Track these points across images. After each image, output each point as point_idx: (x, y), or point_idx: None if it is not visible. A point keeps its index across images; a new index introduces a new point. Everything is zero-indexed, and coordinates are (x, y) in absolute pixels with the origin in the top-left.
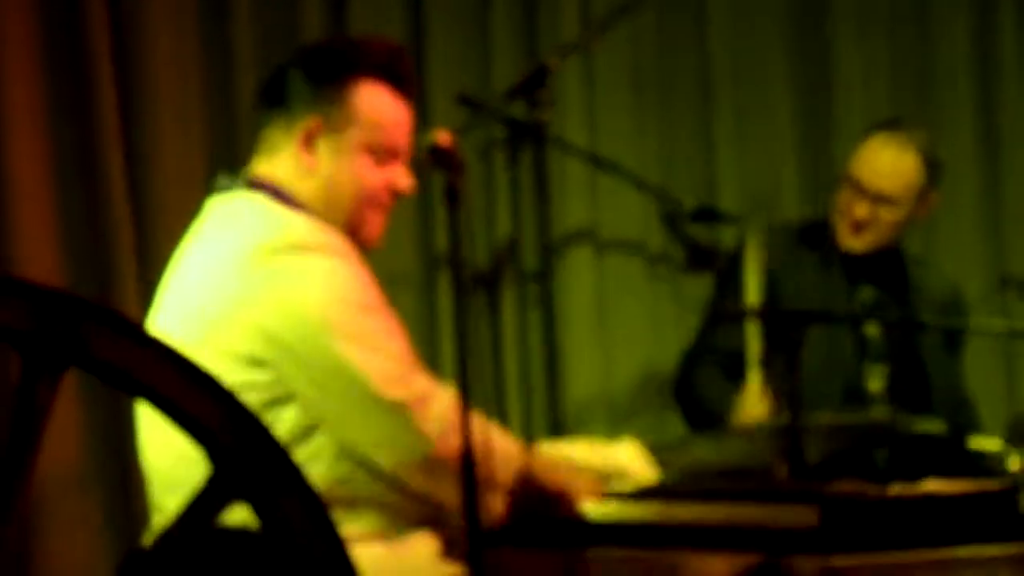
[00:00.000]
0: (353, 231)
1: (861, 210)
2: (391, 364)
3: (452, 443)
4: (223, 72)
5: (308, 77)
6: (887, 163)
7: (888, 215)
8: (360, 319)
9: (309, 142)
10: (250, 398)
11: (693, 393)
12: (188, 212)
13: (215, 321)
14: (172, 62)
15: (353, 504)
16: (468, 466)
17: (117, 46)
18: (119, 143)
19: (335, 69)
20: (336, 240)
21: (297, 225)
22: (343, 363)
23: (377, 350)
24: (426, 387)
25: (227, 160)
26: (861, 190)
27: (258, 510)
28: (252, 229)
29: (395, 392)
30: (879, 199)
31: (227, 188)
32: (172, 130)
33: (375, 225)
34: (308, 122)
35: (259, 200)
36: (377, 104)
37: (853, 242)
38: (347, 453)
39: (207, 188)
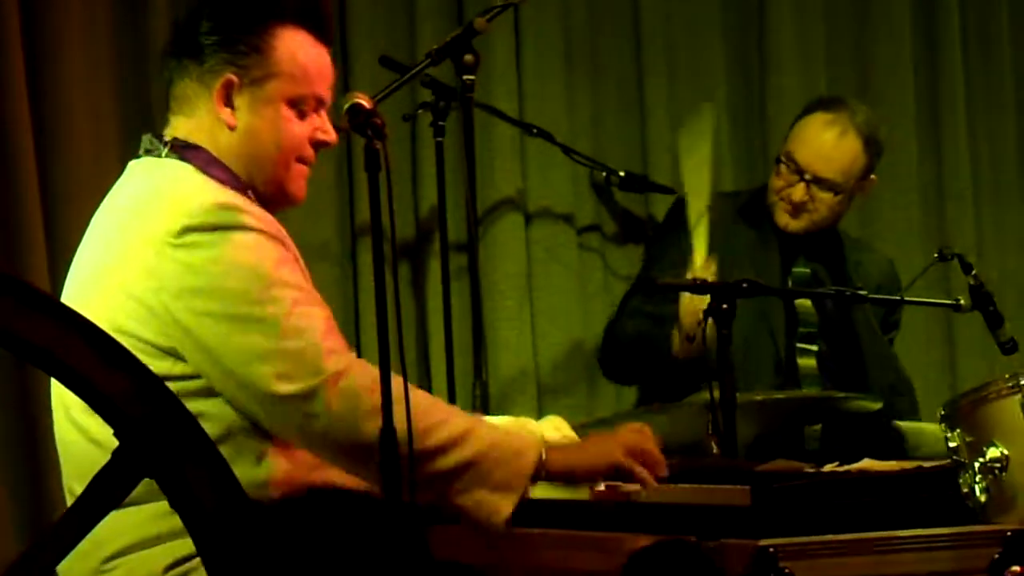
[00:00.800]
0: (278, 188)
1: (798, 192)
2: (286, 351)
3: (364, 426)
4: (135, 35)
5: (222, 25)
6: (827, 146)
7: (826, 198)
8: (263, 303)
9: (227, 97)
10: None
11: (621, 340)
12: (98, 183)
13: (124, 304)
14: (82, 28)
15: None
16: (388, 439)
17: (25, 14)
18: (28, 116)
19: (251, 16)
20: (256, 214)
21: (214, 199)
22: (242, 353)
23: (274, 336)
24: (331, 366)
25: (139, 126)
26: (799, 172)
27: (167, 486)
28: (169, 206)
29: (284, 386)
30: (818, 182)
31: (151, 152)
32: (82, 101)
33: (300, 181)
34: (224, 75)
35: (180, 170)
36: (298, 53)
37: (789, 221)
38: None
39: (120, 157)
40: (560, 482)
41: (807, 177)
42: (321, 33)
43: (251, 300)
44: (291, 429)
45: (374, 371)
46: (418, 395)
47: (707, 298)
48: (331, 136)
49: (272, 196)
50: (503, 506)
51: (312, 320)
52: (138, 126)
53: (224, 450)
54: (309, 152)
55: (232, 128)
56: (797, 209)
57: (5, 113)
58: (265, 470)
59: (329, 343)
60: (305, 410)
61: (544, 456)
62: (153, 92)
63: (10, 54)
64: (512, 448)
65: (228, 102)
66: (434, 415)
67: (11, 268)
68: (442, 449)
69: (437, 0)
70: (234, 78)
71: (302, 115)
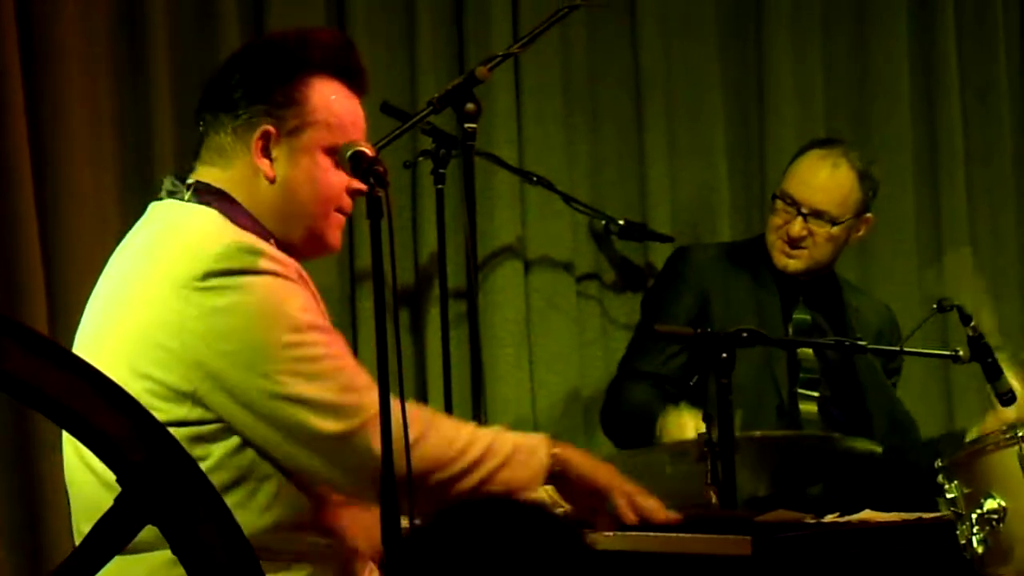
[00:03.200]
0: (315, 238)
1: (795, 227)
2: (326, 393)
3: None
4: (136, 81)
5: (256, 78)
6: (822, 178)
7: (823, 232)
8: (294, 347)
9: (265, 148)
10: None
11: (622, 408)
12: (98, 228)
13: (141, 347)
14: (84, 69)
15: (278, 556)
16: (388, 476)
17: (26, 57)
18: (27, 154)
19: (284, 68)
20: (278, 257)
21: (236, 244)
22: (276, 396)
23: (313, 378)
24: (370, 405)
25: (140, 170)
26: (795, 206)
27: (169, 533)
28: (191, 250)
29: (330, 425)
30: (814, 215)
31: (174, 194)
32: (83, 142)
33: (337, 231)
34: (261, 126)
35: (203, 215)
36: (332, 102)
37: (788, 261)
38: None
39: (119, 202)
40: (558, 480)
41: (804, 211)
42: (353, 83)
43: (280, 344)
44: (328, 468)
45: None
46: (441, 427)
47: (696, 423)
48: (366, 185)
49: (309, 246)
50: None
51: (343, 360)
52: (138, 171)
53: (236, 494)
54: (347, 202)
55: (271, 180)
56: (795, 244)
57: (5, 158)
58: (273, 515)
59: (362, 381)
60: (350, 448)
61: (555, 449)
62: (154, 137)
63: (10, 97)
64: (525, 460)
65: (267, 153)
66: (458, 442)
67: (10, 313)
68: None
69: (439, 48)
70: (271, 129)
71: (337, 164)
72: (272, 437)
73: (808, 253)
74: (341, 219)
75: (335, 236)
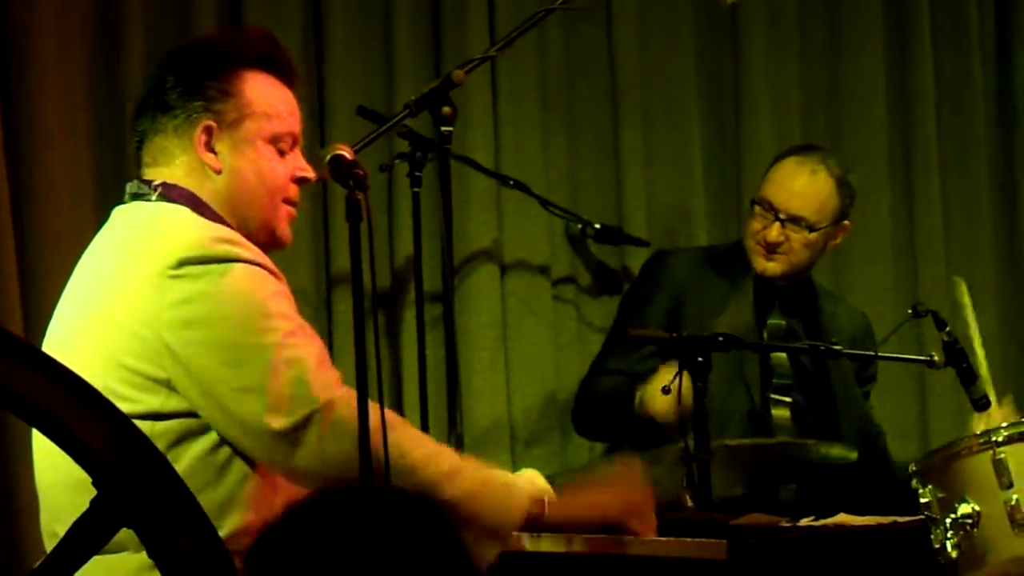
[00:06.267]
0: (267, 230)
1: (773, 232)
2: (282, 384)
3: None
4: (112, 84)
5: (189, 76)
6: (800, 184)
7: (800, 238)
8: (259, 334)
9: (208, 143)
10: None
11: (596, 398)
12: (73, 231)
13: (119, 338)
14: (58, 70)
15: None
16: (366, 477)
17: (0, 60)
18: (1, 157)
19: (216, 63)
20: (249, 246)
21: (210, 233)
22: (238, 389)
23: (272, 370)
24: (325, 400)
25: (116, 173)
26: (773, 211)
27: (144, 536)
28: (166, 241)
29: (279, 421)
30: (792, 220)
31: (140, 196)
32: (58, 145)
33: (287, 223)
34: (202, 122)
35: (173, 210)
36: (267, 93)
37: (767, 265)
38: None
39: (94, 206)
40: (555, 531)
41: (781, 216)
42: (283, 75)
43: (245, 330)
44: (281, 464)
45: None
46: (409, 432)
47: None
48: (311, 173)
49: (261, 239)
50: (487, 552)
51: (305, 350)
52: (113, 174)
53: (212, 494)
54: (294, 191)
55: (218, 172)
56: (772, 249)
57: None
58: (249, 516)
59: (321, 375)
60: (296, 443)
61: (545, 510)
62: (130, 140)
63: None
64: (502, 495)
65: (210, 147)
66: (425, 452)
67: None
68: (433, 484)
69: (415, 51)
70: (212, 123)
71: (281, 153)
72: (231, 430)
73: (786, 258)
74: (291, 211)
75: (285, 229)
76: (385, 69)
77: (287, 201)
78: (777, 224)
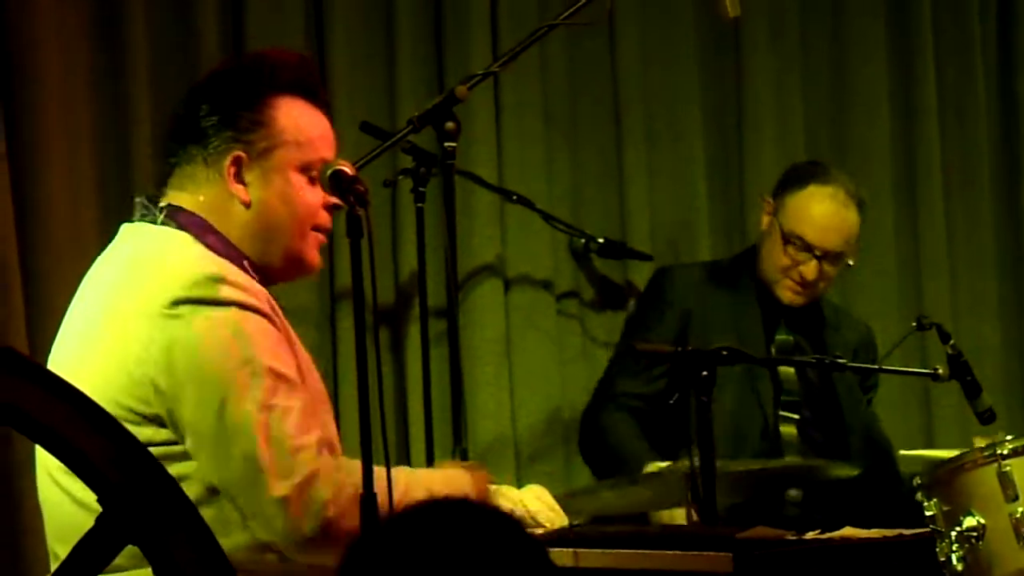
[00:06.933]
0: (294, 259)
1: (810, 270)
2: (280, 448)
3: (334, 525)
4: (115, 97)
5: (221, 105)
6: (837, 220)
7: (834, 271)
8: (240, 389)
9: (238, 174)
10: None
11: (605, 440)
12: (76, 246)
13: (110, 371)
14: (61, 83)
15: (256, 574)
16: (368, 515)
17: (4, 72)
18: (6, 171)
19: (247, 91)
20: (247, 287)
21: (204, 272)
22: (216, 436)
23: (272, 433)
24: (312, 467)
25: (119, 186)
26: (809, 249)
27: (149, 552)
28: (162, 277)
29: (280, 488)
30: (829, 257)
31: (146, 216)
32: (61, 158)
33: (314, 250)
34: (232, 152)
35: (176, 238)
36: (299, 119)
37: (795, 298)
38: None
39: (97, 220)
40: None
41: (818, 253)
42: (316, 99)
43: (226, 383)
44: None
45: (339, 476)
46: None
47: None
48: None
49: (288, 267)
50: None
51: (286, 415)
52: (116, 189)
53: (207, 512)
54: (324, 218)
55: (247, 204)
56: (808, 286)
57: None
58: (250, 532)
59: (300, 441)
60: (285, 511)
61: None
62: (132, 152)
63: None
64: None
65: (239, 179)
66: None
67: None
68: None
69: (418, 67)
70: (242, 154)
71: (312, 181)
72: (215, 475)
73: (817, 289)
74: (320, 238)
75: (314, 256)
76: (388, 85)
77: (317, 228)
78: (815, 262)
